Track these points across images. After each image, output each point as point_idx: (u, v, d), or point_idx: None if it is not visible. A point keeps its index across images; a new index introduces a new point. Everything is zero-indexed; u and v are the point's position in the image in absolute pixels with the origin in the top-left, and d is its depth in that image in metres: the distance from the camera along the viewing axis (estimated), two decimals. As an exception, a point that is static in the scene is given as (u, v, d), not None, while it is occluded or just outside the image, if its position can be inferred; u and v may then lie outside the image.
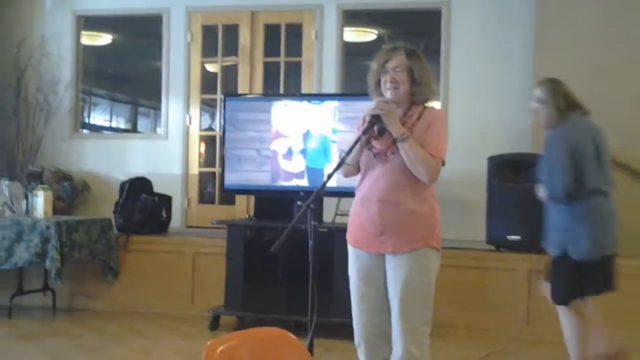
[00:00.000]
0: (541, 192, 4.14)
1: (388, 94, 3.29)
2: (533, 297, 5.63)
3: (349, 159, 3.26)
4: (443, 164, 3.28)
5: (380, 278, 3.31)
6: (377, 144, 3.29)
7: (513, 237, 5.84)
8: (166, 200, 6.96)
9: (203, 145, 7.78)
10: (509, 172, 5.98)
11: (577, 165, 4.00)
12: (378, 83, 3.34)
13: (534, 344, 5.43)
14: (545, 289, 4.27)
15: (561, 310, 4.22)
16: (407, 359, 3.23)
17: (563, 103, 4.12)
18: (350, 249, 3.39)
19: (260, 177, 5.89)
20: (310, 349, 3.03)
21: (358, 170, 3.35)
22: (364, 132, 3.22)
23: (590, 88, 6.42)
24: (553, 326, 5.49)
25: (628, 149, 6.28)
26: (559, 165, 4.00)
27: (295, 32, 7.46)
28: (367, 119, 3.23)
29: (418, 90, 3.28)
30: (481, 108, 6.96)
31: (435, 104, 5.49)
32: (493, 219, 5.95)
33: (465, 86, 7.01)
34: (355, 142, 3.24)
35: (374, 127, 3.22)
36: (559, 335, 5.37)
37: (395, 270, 3.25)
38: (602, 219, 4.06)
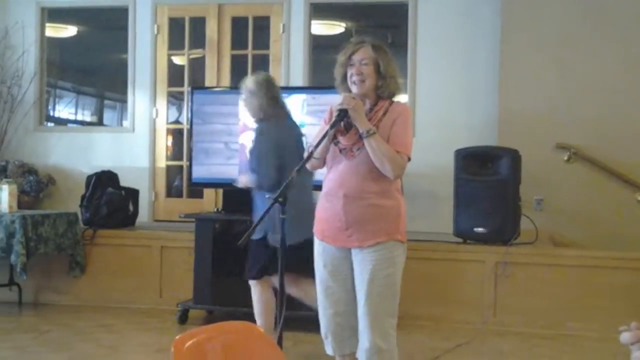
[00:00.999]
0: (245, 179, 4.46)
1: (354, 88, 3.29)
2: (500, 289, 5.70)
3: (316, 153, 3.26)
4: (409, 159, 3.29)
5: (347, 271, 3.32)
6: (343, 140, 3.29)
7: (480, 229, 5.89)
8: (133, 193, 6.91)
9: (170, 139, 7.72)
10: (476, 165, 6.03)
11: (282, 160, 4.32)
12: (345, 76, 3.34)
13: (501, 334, 5.48)
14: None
15: (253, 284, 4.61)
16: (374, 352, 3.25)
17: (271, 98, 4.49)
18: (317, 242, 3.40)
19: (228, 171, 5.87)
20: (280, 342, 3.04)
21: (324, 164, 3.36)
22: (332, 126, 3.22)
23: (556, 82, 6.53)
24: (519, 317, 5.59)
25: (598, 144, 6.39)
26: (266, 158, 4.34)
27: (262, 25, 7.42)
28: (335, 113, 3.23)
29: (384, 83, 3.29)
30: (448, 101, 7.00)
31: (402, 98, 5.51)
32: (460, 211, 5.99)
33: (432, 80, 7.04)
34: (324, 136, 3.24)
35: (341, 122, 3.22)
36: (526, 326, 5.45)
37: (361, 264, 3.27)
38: (300, 210, 4.19)
